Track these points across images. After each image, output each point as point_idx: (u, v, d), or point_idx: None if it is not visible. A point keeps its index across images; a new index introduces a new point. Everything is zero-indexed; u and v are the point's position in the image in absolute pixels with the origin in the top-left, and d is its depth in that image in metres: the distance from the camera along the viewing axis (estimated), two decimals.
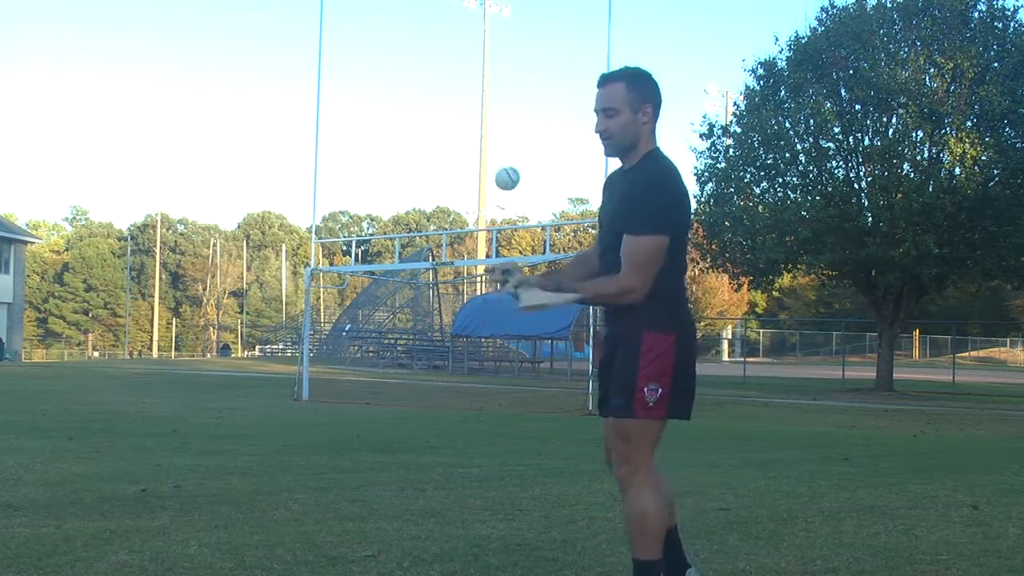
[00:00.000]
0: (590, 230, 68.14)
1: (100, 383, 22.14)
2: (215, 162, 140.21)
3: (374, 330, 38.72)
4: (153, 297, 79.94)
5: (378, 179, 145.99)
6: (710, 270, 27.31)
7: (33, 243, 56.50)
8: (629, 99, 3.04)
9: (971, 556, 4.09)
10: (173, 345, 77.83)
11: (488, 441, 9.71)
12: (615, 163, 3.22)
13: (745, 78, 25.14)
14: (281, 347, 57.83)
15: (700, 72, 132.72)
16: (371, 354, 35.98)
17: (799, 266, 23.28)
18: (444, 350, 33.82)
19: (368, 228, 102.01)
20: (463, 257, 61.98)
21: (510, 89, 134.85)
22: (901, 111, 20.51)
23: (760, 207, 22.58)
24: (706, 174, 23.47)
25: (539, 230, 63.97)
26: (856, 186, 22.16)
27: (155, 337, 76.79)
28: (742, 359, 37.11)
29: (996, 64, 20.64)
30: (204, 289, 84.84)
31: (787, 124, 21.81)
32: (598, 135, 3.10)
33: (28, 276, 62.78)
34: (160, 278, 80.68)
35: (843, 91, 21.59)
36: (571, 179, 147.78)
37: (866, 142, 21.46)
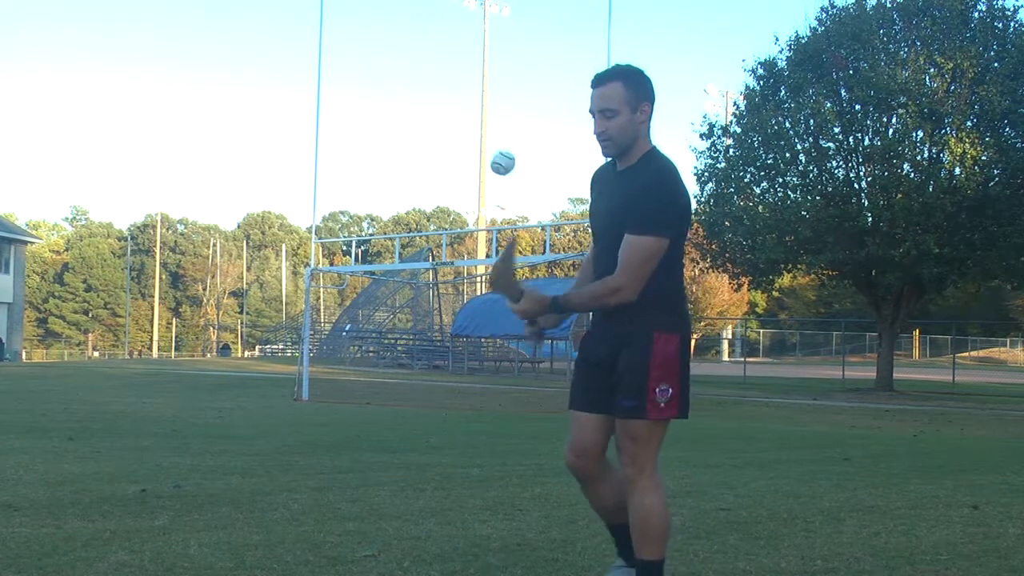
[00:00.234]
0: (590, 230, 68.07)
1: (100, 383, 22.14)
2: (215, 162, 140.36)
3: (374, 330, 38.72)
4: (153, 297, 79.94)
5: (378, 179, 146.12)
6: (710, 270, 27.30)
7: (33, 243, 56.50)
8: (627, 98, 3.00)
9: (971, 556, 4.09)
10: (173, 345, 77.83)
11: (488, 441, 9.71)
12: None
13: (745, 78, 25.16)
14: (281, 347, 57.83)
15: (700, 72, 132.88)
16: (371, 354, 35.97)
17: (799, 266, 23.27)
18: (444, 350, 33.81)
19: (368, 228, 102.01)
20: (463, 257, 61.98)
21: (510, 89, 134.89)
22: (901, 111, 20.51)
23: (760, 207, 22.58)
24: (706, 174, 23.46)
25: (539, 230, 63.88)
26: (856, 186, 22.15)
27: (155, 337, 76.79)
28: (742, 359, 37.11)
29: (996, 64, 20.63)
30: (204, 289, 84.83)
31: (787, 124, 21.81)
32: (596, 136, 3.06)
33: (28, 276, 62.77)
34: (160, 278, 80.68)
35: (843, 91, 21.59)
36: (571, 179, 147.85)
37: (866, 142, 21.46)
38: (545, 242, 22.56)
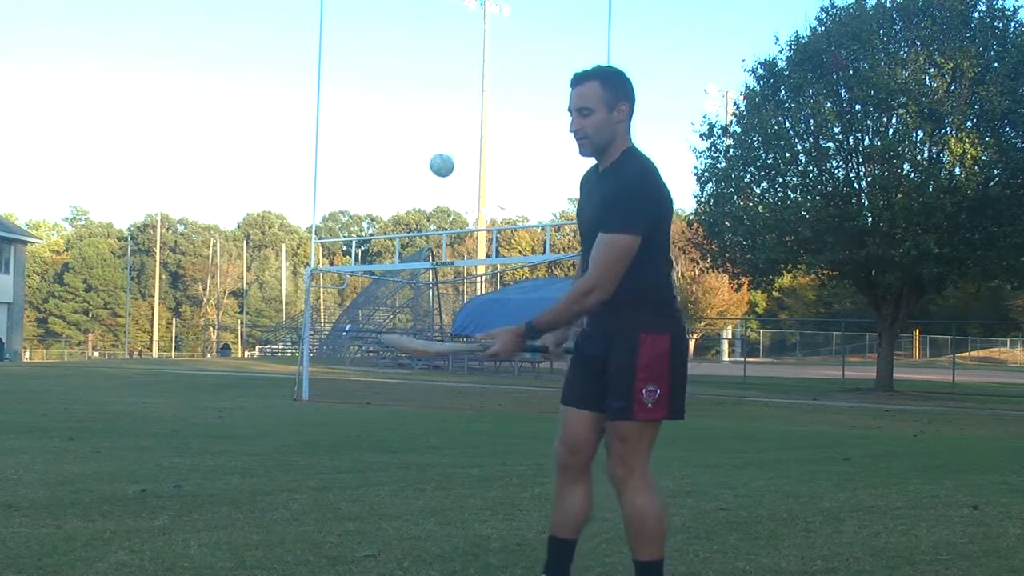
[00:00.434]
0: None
1: (100, 383, 22.14)
2: (215, 162, 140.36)
3: (374, 330, 38.70)
4: (153, 297, 79.94)
5: (378, 179, 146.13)
6: (710, 270, 27.30)
7: (33, 243, 56.51)
8: (604, 97, 3.01)
9: (971, 556, 4.09)
10: (173, 345, 77.84)
11: (488, 441, 9.72)
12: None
13: (745, 78, 25.16)
14: (281, 347, 57.83)
15: (700, 72, 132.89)
16: (371, 354, 35.96)
17: (799, 266, 23.27)
18: None
19: (368, 228, 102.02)
20: (463, 257, 61.98)
21: (510, 89, 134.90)
22: (901, 111, 20.51)
23: (760, 207, 22.58)
24: (706, 174, 23.46)
25: (539, 230, 63.92)
26: (856, 186, 22.16)
27: (155, 337, 76.79)
28: (742, 359, 37.11)
29: (996, 64, 20.64)
30: (204, 289, 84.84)
31: (787, 124, 21.81)
32: (572, 135, 3.07)
33: (28, 276, 62.78)
34: (160, 278, 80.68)
35: (843, 91, 21.59)
36: (571, 179, 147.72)
37: (866, 142, 21.46)
38: (545, 242, 22.56)
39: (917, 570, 3.85)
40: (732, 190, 22.87)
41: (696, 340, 56.42)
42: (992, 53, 21.00)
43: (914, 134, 20.73)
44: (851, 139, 21.63)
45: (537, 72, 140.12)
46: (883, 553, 4.12)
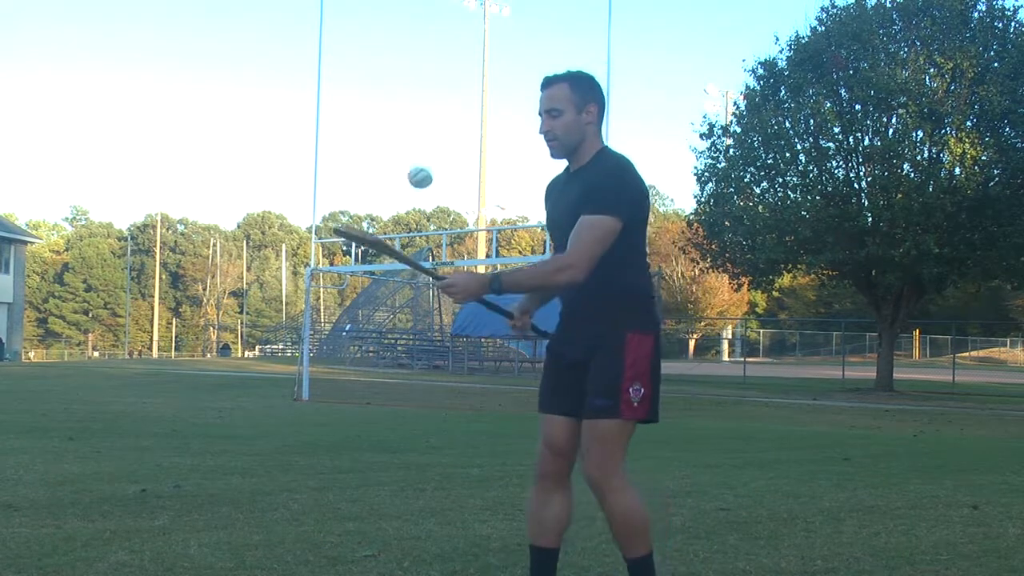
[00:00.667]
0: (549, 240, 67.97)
1: (100, 383, 22.14)
2: (215, 162, 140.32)
3: (374, 330, 38.72)
4: (153, 297, 79.93)
5: (378, 179, 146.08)
6: (710, 270, 27.29)
7: (33, 243, 56.50)
8: (573, 99, 3.03)
9: (971, 556, 4.09)
10: (173, 345, 77.83)
11: (488, 441, 9.72)
12: None
13: (745, 78, 25.15)
14: (281, 347, 57.82)
15: (700, 72, 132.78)
16: (371, 354, 35.97)
17: (799, 266, 23.26)
18: (444, 350, 33.81)
19: (368, 228, 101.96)
20: (463, 257, 61.98)
21: (510, 89, 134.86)
22: (901, 111, 20.50)
23: (760, 207, 22.57)
24: (706, 174, 23.46)
25: (539, 230, 63.85)
26: (856, 186, 22.15)
27: (155, 337, 76.78)
28: (742, 359, 37.11)
29: (996, 64, 20.63)
30: (204, 289, 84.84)
31: (787, 124, 21.81)
32: (542, 136, 3.09)
33: (28, 276, 62.77)
34: (160, 278, 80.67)
35: (843, 91, 21.59)
36: None
37: (866, 142, 21.45)
38: (545, 242, 22.53)
39: (917, 570, 3.85)
40: (732, 190, 22.86)
41: (696, 340, 56.43)
42: (992, 53, 21.00)
43: (914, 134, 20.73)
44: (851, 139, 21.63)
45: (537, 72, 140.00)
46: (883, 553, 4.12)
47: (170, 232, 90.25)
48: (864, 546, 4.27)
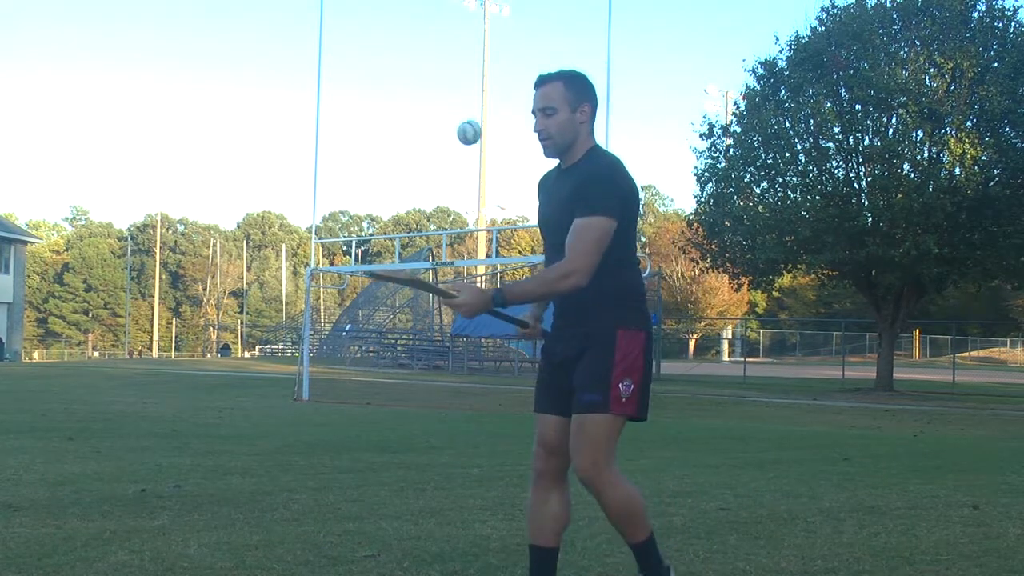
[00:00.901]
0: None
1: (100, 383, 22.14)
2: (215, 162, 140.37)
3: (374, 330, 38.72)
4: (153, 297, 79.93)
5: (378, 179, 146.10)
6: (710, 270, 27.27)
7: (33, 243, 56.49)
8: (568, 97, 3.05)
9: (971, 556, 4.09)
10: (173, 345, 77.83)
11: (488, 441, 9.72)
12: None
13: (745, 78, 25.15)
14: (281, 347, 57.84)
15: (700, 72, 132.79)
16: (371, 354, 35.98)
17: (799, 266, 23.25)
18: (444, 350, 33.81)
19: (368, 228, 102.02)
20: (463, 257, 61.97)
21: (510, 89, 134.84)
22: (901, 111, 20.50)
23: (760, 207, 22.56)
24: (706, 174, 23.45)
25: (539, 230, 63.72)
26: (856, 186, 22.14)
27: (155, 337, 76.78)
28: (742, 359, 37.10)
29: (996, 64, 20.62)
30: (204, 289, 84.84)
31: (787, 124, 21.80)
32: (536, 135, 3.10)
33: (28, 276, 62.77)
34: (160, 278, 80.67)
35: (843, 91, 21.58)
36: None
37: (866, 142, 21.45)
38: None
39: (917, 570, 3.85)
40: (732, 190, 22.86)
41: (696, 340, 56.43)
42: (992, 53, 20.99)
43: (914, 134, 20.72)
44: (851, 139, 21.62)
45: (537, 72, 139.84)
46: (883, 553, 4.12)
47: (170, 232, 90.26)
48: (864, 546, 4.26)
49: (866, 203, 21.51)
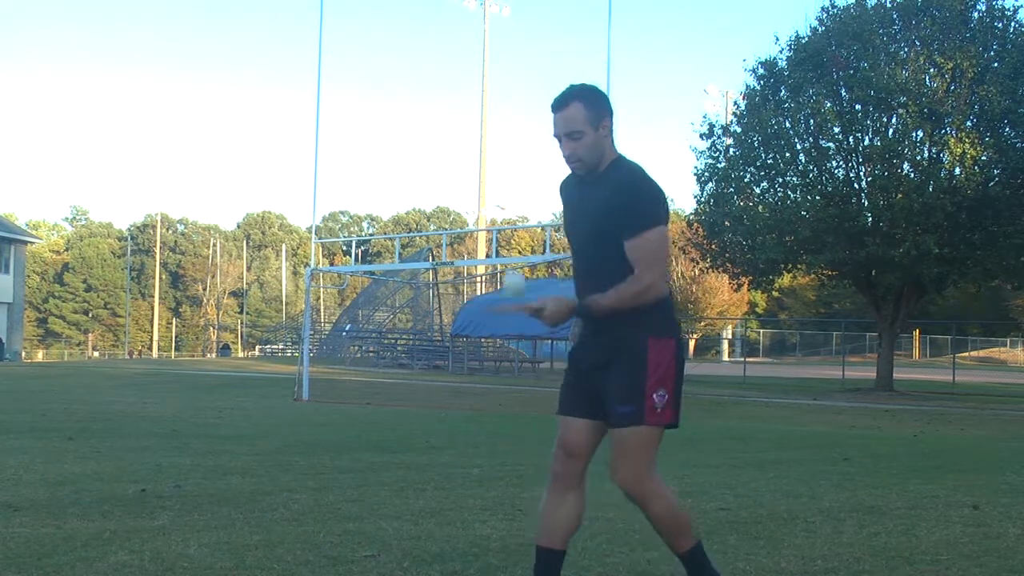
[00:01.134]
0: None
1: (100, 383, 22.13)
2: (215, 162, 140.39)
3: (374, 330, 38.70)
4: (153, 297, 79.93)
5: (378, 179, 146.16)
6: (710, 270, 27.27)
7: (33, 243, 56.48)
8: (589, 118, 3.05)
9: (971, 556, 4.09)
10: (173, 345, 77.82)
11: (488, 441, 9.72)
12: None
13: (745, 78, 25.12)
14: (281, 347, 57.82)
15: (700, 72, 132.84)
16: (371, 354, 35.95)
17: (799, 266, 23.25)
18: (444, 350, 33.79)
19: (368, 228, 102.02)
20: (463, 257, 61.97)
21: (510, 89, 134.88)
22: (901, 111, 20.49)
23: (760, 207, 22.56)
24: (706, 174, 23.45)
25: (539, 230, 63.84)
26: (856, 186, 22.14)
27: (155, 337, 76.78)
28: (742, 359, 37.10)
29: (996, 64, 20.62)
30: (204, 289, 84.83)
31: (787, 124, 21.79)
32: (566, 159, 3.11)
33: (28, 276, 62.75)
34: (160, 278, 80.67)
35: (843, 91, 21.58)
36: None
37: (866, 142, 21.44)
38: (545, 242, 22.53)
39: (917, 570, 3.85)
40: (732, 190, 22.86)
41: (696, 340, 56.41)
42: (992, 53, 20.99)
43: (914, 134, 20.72)
44: (851, 139, 21.61)
45: (537, 72, 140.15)
46: (883, 553, 4.12)
47: (170, 232, 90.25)
48: (864, 546, 4.26)
49: (866, 203, 21.51)
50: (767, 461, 7.90)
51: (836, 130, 21.39)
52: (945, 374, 28.15)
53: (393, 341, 37.27)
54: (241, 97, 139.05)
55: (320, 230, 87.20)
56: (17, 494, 5.25)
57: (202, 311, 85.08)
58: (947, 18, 20.76)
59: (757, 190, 23.11)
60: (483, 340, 32.99)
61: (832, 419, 15.33)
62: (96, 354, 71.57)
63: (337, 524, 4.55)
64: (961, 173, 20.18)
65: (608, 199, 3.02)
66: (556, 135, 3.10)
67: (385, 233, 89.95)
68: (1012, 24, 21.32)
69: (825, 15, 22.41)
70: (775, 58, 22.77)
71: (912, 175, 21.05)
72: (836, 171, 22.18)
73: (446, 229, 76.56)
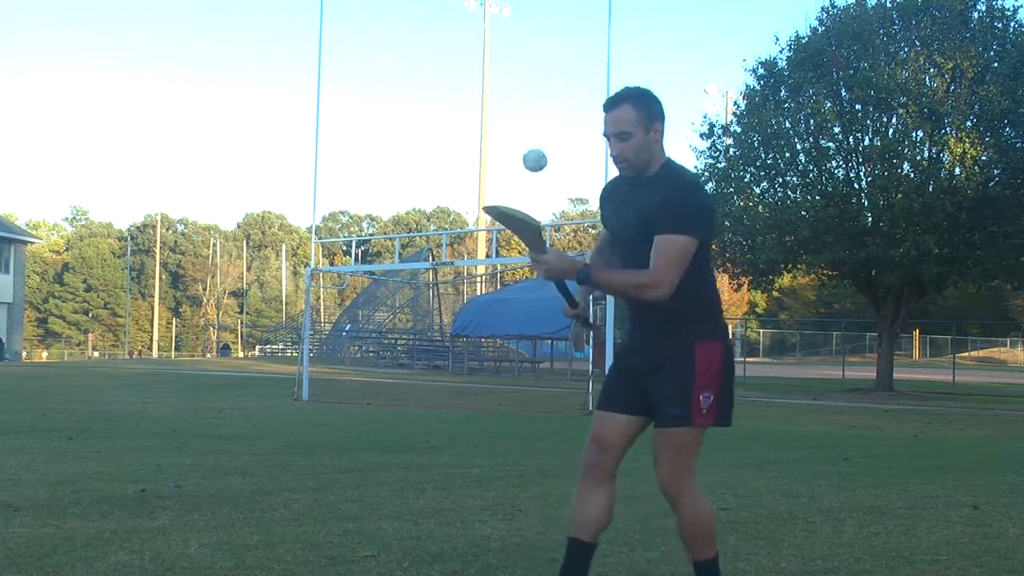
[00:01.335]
0: (590, 230, 68.11)
1: (100, 383, 22.13)
2: (215, 162, 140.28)
3: (374, 330, 38.71)
4: (153, 297, 79.93)
5: (378, 179, 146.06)
6: None
7: (33, 243, 56.48)
8: (640, 119, 3.07)
9: (971, 556, 4.09)
10: (173, 345, 77.80)
11: (488, 441, 9.71)
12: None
13: (745, 78, 25.16)
14: (281, 347, 57.83)
15: (700, 72, 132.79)
16: (371, 354, 35.96)
17: (799, 266, 23.26)
18: (444, 350, 33.80)
19: (368, 228, 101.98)
20: (463, 257, 61.97)
21: (510, 89, 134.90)
22: (901, 111, 20.50)
23: (760, 207, 22.57)
24: (706, 174, 23.45)
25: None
26: (856, 186, 22.15)
27: (155, 337, 76.77)
28: (742, 359, 37.06)
29: (996, 64, 20.63)
30: (204, 289, 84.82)
31: (787, 124, 21.80)
32: (614, 159, 3.13)
33: (28, 276, 62.75)
34: (160, 278, 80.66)
35: (843, 91, 21.59)
36: (571, 179, 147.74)
37: (866, 142, 21.45)
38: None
39: (917, 570, 3.85)
40: (732, 190, 22.87)
41: None
42: (992, 53, 20.99)
43: (914, 134, 20.73)
44: (851, 139, 21.62)
45: (537, 72, 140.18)
46: (883, 553, 4.13)
47: (170, 232, 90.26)
48: (864, 546, 4.27)
49: (866, 203, 21.52)
50: (767, 461, 7.90)
51: (836, 130, 21.41)
52: (945, 374, 28.15)
53: (393, 341, 37.27)
54: (241, 97, 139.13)
55: (320, 230, 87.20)
56: (17, 494, 5.25)
57: (202, 311, 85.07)
58: (947, 18, 20.77)
59: (757, 190, 23.12)
60: (483, 340, 32.99)
61: (832, 419, 15.33)
62: (96, 354, 71.56)
63: (337, 524, 4.55)
64: (961, 173, 20.19)
65: (663, 198, 3.04)
66: (605, 134, 3.13)
67: (385, 233, 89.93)
68: (1012, 24, 21.33)
69: (825, 15, 22.43)
70: (775, 58, 22.78)
71: (912, 175, 21.06)
72: (836, 171, 22.19)
73: (446, 229, 76.55)
